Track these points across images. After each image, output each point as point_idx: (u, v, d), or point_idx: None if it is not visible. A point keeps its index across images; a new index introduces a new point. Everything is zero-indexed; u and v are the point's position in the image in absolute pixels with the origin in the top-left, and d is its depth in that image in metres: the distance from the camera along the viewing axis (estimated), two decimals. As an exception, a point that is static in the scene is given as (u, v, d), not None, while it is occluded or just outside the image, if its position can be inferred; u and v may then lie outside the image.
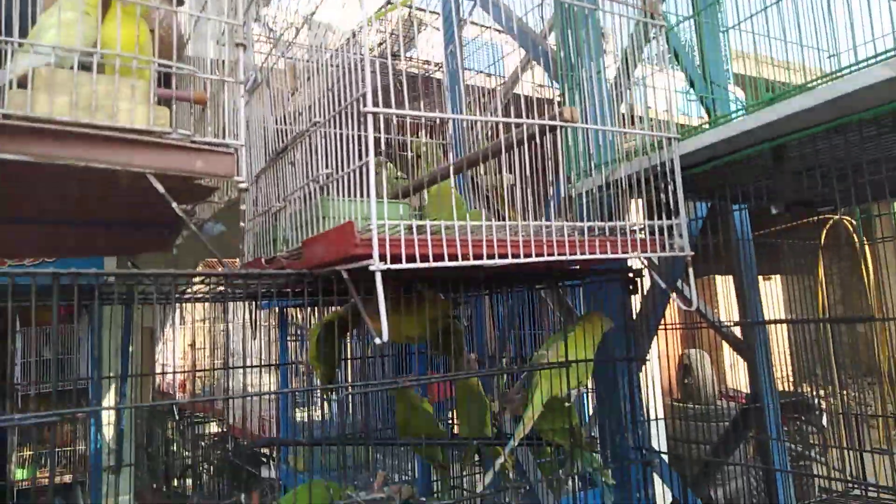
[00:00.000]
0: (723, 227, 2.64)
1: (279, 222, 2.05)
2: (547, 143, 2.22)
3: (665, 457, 2.40)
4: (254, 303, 2.34)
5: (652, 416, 2.39)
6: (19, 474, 6.76)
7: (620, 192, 1.97)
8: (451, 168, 2.06)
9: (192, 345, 6.98)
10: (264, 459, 6.07)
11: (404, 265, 1.47)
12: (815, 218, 2.78)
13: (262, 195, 2.21)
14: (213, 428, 6.58)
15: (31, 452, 6.93)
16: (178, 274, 1.51)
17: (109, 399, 6.96)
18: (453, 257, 1.55)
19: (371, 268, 1.43)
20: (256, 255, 2.14)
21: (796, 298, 2.81)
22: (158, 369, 7.26)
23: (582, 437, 2.20)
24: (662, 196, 1.86)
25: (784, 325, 2.79)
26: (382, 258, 1.45)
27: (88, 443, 7.12)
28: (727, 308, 2.95)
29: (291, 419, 4.80)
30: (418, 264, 1.49)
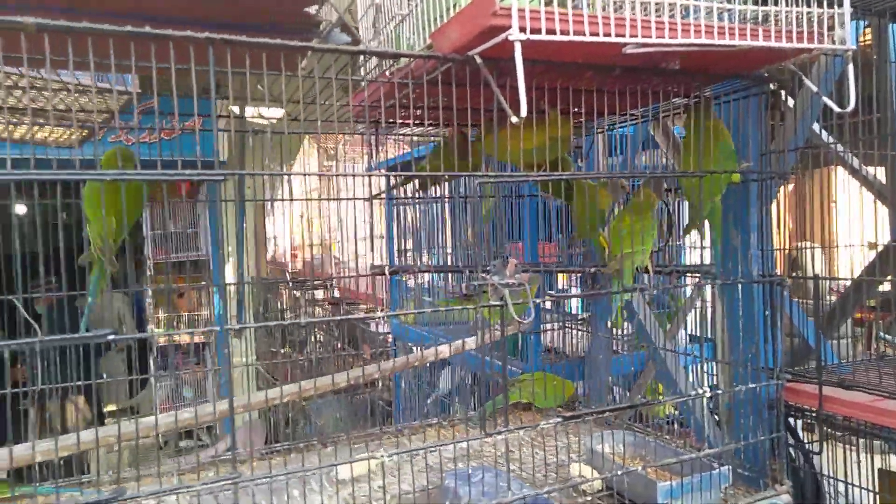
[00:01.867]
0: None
1: (402, 33, 2.02)
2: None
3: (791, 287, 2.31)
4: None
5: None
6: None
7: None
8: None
9: (302, 216, 7.35)
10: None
11: (543, 36, 1.42)
12: None
13: (383, 13, 2.18)
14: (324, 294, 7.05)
15: (166, 314, 7.71)
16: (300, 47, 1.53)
17: (228, 269, 7.56)
18: (595, 35, 1.48)
19: (510, 38, 1.39)
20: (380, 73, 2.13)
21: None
22: (270, 241, 7.74)
23: (645, 261, 2.09)
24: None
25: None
26: (522, 30, 1.40)
27: (212, 308, 7.86)
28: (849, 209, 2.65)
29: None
30: (558, 36, 1.43)
